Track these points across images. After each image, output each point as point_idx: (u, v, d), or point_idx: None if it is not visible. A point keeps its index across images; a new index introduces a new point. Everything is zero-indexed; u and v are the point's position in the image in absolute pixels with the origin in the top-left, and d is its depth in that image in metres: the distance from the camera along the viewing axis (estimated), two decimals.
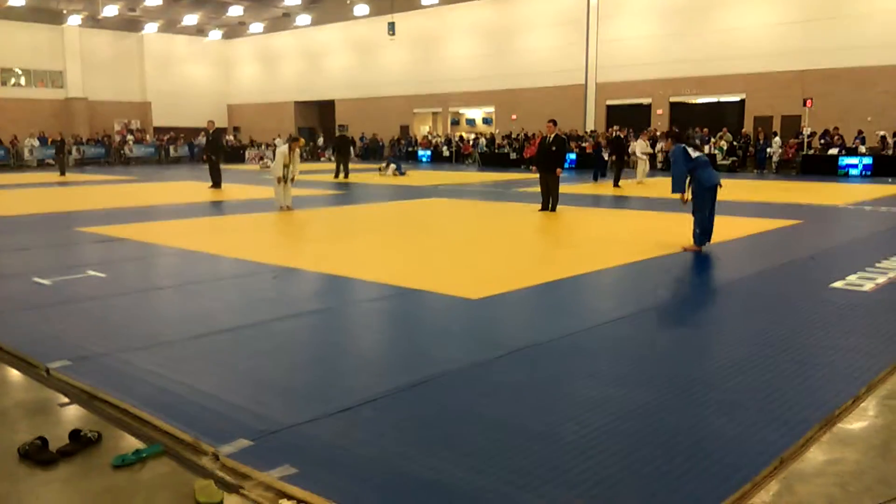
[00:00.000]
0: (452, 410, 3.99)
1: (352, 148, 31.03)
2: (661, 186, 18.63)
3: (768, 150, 26.49)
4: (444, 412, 3.97)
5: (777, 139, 26.53)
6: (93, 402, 4.13)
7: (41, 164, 35.08)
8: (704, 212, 9.11)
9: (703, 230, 9.14)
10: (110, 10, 37.91)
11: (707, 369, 4.65)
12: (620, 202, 16.26)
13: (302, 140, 15.15)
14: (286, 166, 14.10)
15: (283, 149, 14.33)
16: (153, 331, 5.62)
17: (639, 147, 21.76)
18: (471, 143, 36.36)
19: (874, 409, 4.02)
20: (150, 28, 44.52)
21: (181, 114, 46.07)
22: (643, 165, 21.41)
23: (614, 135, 21.60)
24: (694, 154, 9.05)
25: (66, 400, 4.18)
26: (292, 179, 14.37)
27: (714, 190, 9.14)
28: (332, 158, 29.19)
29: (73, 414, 4.00)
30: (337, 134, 26.73)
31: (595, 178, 22.51)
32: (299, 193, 19.10)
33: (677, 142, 9.31)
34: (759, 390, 4.23)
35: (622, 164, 20.86)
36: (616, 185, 19.88)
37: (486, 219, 13.57)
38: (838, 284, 7.06)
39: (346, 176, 24.41)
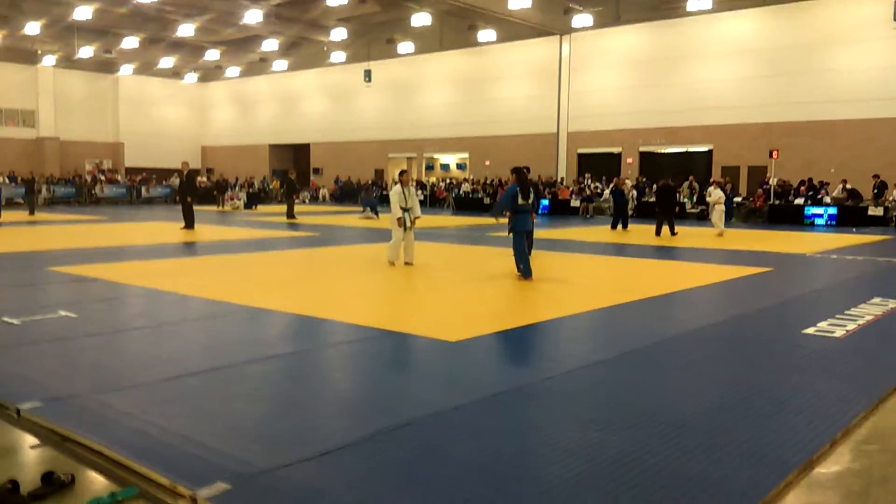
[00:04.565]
0: (433, 455, 3.95)
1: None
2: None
3: (734, 199, 27.04)
4: (425, 457, 3.93)
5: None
6: (65, 444, 4.03)
7: (10, 203, 34.55)
8: (521, 250, 10.57)
9: (526, 265, 10.50)
10: (86, 52, 37.93)
11: (687, 413, 4.67)
12: (613, 249, 16.42)
13: (407, 176, 12.37)
14: (405, 210, 11.80)
15: (396, 188, 11.95)
16: (126, 372, 5.52)
17: (716, 195, 20.01)
18: (444, 187, 36.65)
19: (851, 453, 4.06)
20: (126, 70, 44.60)
21: (154, 155, 45.96)
22: (720, 214, 19.67)
23: (662, 182, 20.05)
24: (520, 201, 10.51)
25: (38, 442, 4.07)
26: (413, 224, 12.00)
27: (527, 234, 10.78)
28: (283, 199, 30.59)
29: (45, 456, 3.89)
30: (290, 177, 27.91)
31: (614, 226, 21.23)
32: (266, 235, 19.06)
33: (518, 178, 10.65)
34: (739, 433, 4.25)
35: (671, 213, 19.59)
36: (672, 233, 18.92)
37: (462, 262, 13.60)
38: (810, 331, 7.17)
39: (291, 216, 25.11)
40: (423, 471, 3.73)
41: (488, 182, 34.21)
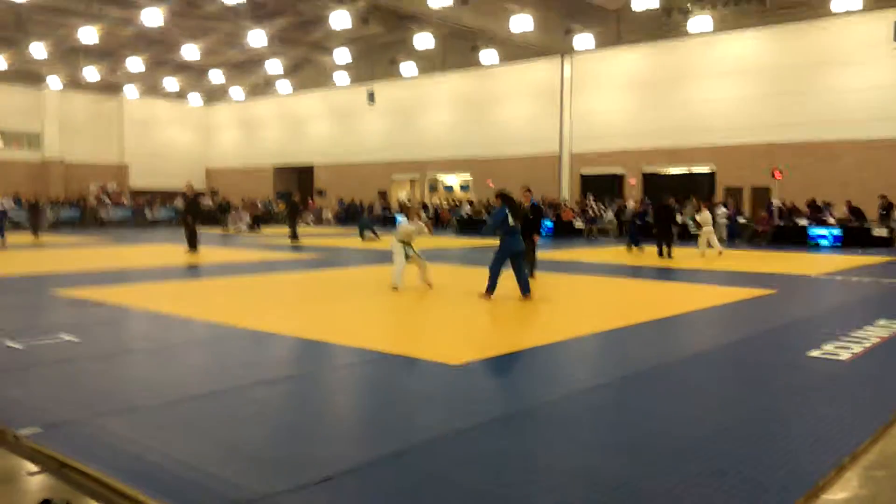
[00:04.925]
0: (434, 480, 3.91)
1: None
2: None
3: (738, 218, 26.98)
4: (426, 482, 3.89)
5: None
6: (64, 471, 3.99)
7: (14, 226, 34.68)
8: (498, 268, 10.81)
9: (493, 284, 10.80)
10: (91, 74, 38.22)
11: (689, 438, 4.62)
12: (619, 271, 16.39)
13: (413, 211, 12.37)
14: (407, 243, 11.85)
15: (404, 226, 12.03)
16: (127, 396, 5.49)
17: (702, 217, 20.18)
18: (448, 209, 36.68)
19: (858, 479, 4.00)
20: (131, 92, 44.88)
21: (159, 177, 46.18)
22: (709, 237, 19.78)
23: (662, 203, 19.93)
24: (511, 222, 10.74)
25: (36, 468, 4.03)
26: (417, 255, 11.96)
27: (516, 255, 10.84)
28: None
29: (42, 483, 3.85)
30: (292, 199, 28.13)
31: (632, 246, 21.51)
32: (269, 257, 19.07)
33: (505, 202, 10.93)
34: (743, 459, 4.20)
35: (668, 234, 19.45)
36: (669, 255, 18.95)
37: (465, 284, 13.56)
38: (815, 353, 7.11)
39: (294, 237, 25.04)
40: (424, 497, 3.69)
41: (490, 204, 34.23)
